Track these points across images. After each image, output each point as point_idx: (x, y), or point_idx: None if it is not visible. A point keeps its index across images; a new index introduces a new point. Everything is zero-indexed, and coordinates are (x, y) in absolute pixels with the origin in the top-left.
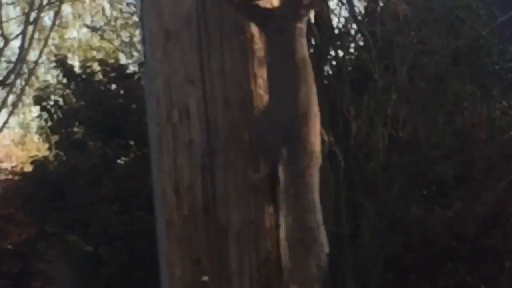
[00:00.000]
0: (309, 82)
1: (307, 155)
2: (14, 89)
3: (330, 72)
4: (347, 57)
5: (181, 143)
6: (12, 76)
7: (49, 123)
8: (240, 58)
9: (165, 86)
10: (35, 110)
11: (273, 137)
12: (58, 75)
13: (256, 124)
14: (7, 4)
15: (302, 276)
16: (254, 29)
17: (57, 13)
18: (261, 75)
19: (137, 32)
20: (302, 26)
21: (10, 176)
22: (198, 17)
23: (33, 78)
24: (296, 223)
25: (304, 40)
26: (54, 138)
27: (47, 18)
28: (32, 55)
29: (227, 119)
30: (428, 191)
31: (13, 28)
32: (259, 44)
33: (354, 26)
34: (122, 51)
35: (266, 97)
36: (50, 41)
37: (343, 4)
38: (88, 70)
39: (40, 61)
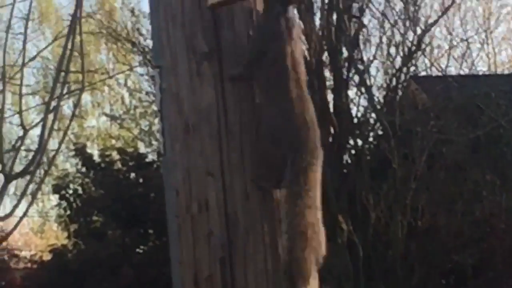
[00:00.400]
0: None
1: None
2: (34, 178)
3: (349, 161)
4: (366, 146)
5: (200, 235)
6: (32, 168)
7: (68, 212)
8: None
9: (184, 178)
10: (54, 198)
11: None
12: (77, 164)
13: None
14: (27, 94)
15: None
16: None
17: (77, 104)
18: None
19: (156, 120)
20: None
21: (29, 265)
22: (218, 109)
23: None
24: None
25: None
26: (73, 226)
27: (66, 106)
28: (51, 143)
29: (246, 211)
30: (447, 280)
31: (33, 117)
32: None
33: (373, 115)
34: (141, 140)
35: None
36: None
37: (362, 93)
38: (107, 159)
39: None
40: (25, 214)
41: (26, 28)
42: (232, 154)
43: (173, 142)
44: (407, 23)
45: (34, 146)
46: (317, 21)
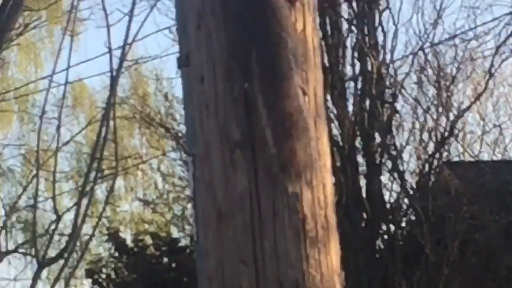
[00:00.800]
0: None
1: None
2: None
3: (382, 246)
4: (399, 231)
5: None
6: (66, 254)
7: None
8: (292, 239)
9: (217, 265)
10: (87, 283)
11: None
12: (110, 248)
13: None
14: (60, 180)
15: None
16: (307, 209)
17: (111, 190)
18: (313, 256)
19: (189, 205)
20: None
21: None
22: (251, 197)
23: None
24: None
25: None
26: None
27: (99, 191)
28: (85, 228)
29: None
30: None
31: (66, 201)
32: (311, 224)
33: (406, 200)
34: (174, 225)
35: (318, 277)
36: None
37: (394, 179)
38: (140, 244)
39: None
40: None
41: (60, 113)
42: (265, 241)
43: (206, 230)
44: (440, 109)
45: (67, 231)
46: (350, 107)
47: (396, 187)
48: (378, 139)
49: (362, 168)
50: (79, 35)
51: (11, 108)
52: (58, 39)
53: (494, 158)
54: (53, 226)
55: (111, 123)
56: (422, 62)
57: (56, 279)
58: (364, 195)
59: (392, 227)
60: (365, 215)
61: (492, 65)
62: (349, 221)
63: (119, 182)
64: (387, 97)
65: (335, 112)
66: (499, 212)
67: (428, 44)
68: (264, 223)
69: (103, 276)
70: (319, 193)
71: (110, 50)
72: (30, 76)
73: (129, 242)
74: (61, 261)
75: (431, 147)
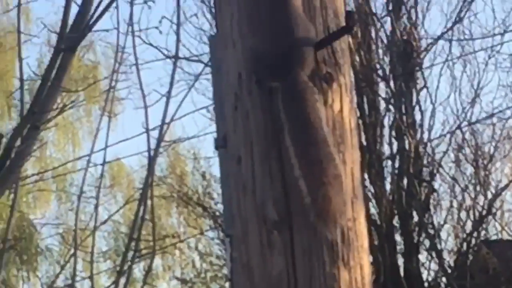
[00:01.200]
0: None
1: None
2: None
3: None
4: None
5: None
6: None
7: None
8: None
9: None
10: None
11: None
12: None
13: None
14: (98, 259)
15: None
16: (342, 281)
17: (149, 270)
18: None
19: (227, 284)
20: None
21: None
22: (288, 278)
23: None
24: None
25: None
26: None
27: (137, 270)
28: None
29: None
30: None
31: (103, 280)
32: None
33: (444, 279)
34: None
35: None
36: None
37: (432, 257)
38: None
39: None
40: None
41: (98, 193)
42: None
43: None
44: (478, 188)
45: None
46: (388, 186)
47: (434, 265)
48: (416, 218)
49: (400, 247)
50: (116, 116)
51: (49, 187)
52: (95, 119)
53: None
54: None
55: (149, 202)
56: (459, 140)
57: None
58: (402, 274)
59: None
60: None
61: None
62: None
63: (157, 261)
64: (424, 176)
65: (373, 191)
66: None
67: (465, 122)
68: None
69: None
70: (356, 274)
71: (147, 130)
72: (68, 155)
73: None
74: None
75: (469, 226)
